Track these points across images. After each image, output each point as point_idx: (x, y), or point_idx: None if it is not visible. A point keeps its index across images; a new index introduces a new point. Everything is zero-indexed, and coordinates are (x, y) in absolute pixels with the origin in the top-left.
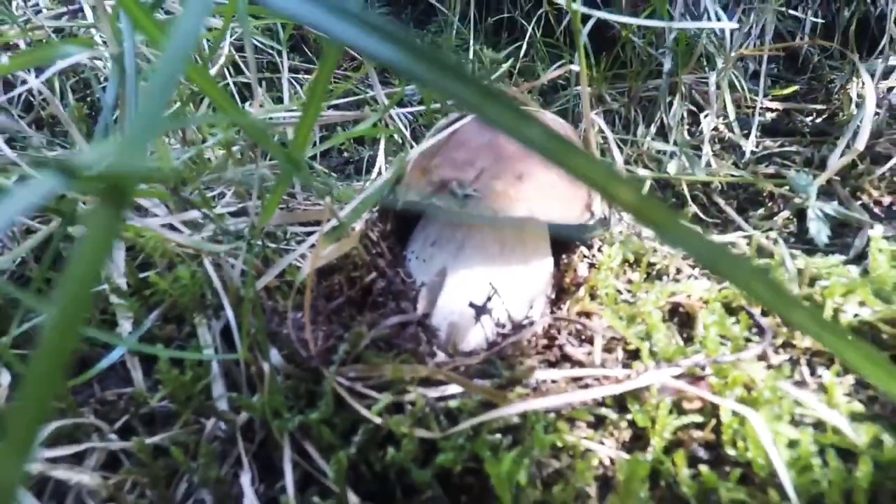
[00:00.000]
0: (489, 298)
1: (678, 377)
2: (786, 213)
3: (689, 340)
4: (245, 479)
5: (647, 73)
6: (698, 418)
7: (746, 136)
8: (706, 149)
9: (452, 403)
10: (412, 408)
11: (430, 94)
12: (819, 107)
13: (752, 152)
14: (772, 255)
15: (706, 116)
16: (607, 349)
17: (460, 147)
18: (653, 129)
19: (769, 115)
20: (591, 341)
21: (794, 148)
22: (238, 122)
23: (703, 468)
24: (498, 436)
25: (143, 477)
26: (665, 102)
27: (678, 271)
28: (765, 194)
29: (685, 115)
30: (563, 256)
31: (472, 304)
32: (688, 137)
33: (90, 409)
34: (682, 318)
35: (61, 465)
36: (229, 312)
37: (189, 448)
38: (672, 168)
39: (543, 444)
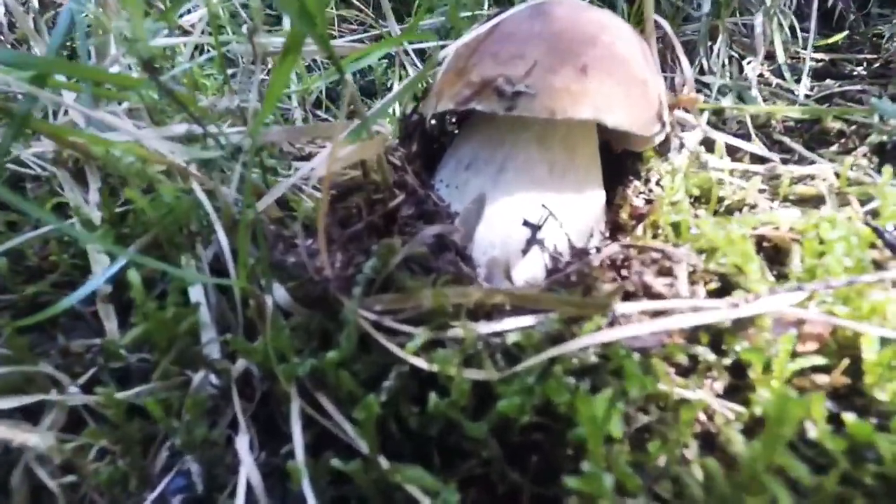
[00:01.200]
0: (540, 225)
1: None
2: (864, 149)
3: (781, 278)
4: (241, 442)
5: (683, 17)
6: (819, 360)
7: (797, 81)
8: (754, 92)
9: (512, 338)
10: (460, 345)
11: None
12: (869, 56)
13: (807, 96)
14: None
15: (749, 63)
16: (691, 282)
17: (506, 40)
18: (685, 90)
19: (815, 65)
20: (669, 273)
21: (859, 87)
22: None
23: (848, 418)
24: (572, 379)
25: (113, 441)
26: (706, 47)
27: (753, 206)
28: (833, 133)
29: (726, 62)
30: (618, 190)
31: (525, 223)
32: (731, 82)
33: (51, 362)
34: (768, 254)
35: (3, 421)
36: (222, 237)
37: (172, 406)
38: (730, 99)
39: (644, 384)
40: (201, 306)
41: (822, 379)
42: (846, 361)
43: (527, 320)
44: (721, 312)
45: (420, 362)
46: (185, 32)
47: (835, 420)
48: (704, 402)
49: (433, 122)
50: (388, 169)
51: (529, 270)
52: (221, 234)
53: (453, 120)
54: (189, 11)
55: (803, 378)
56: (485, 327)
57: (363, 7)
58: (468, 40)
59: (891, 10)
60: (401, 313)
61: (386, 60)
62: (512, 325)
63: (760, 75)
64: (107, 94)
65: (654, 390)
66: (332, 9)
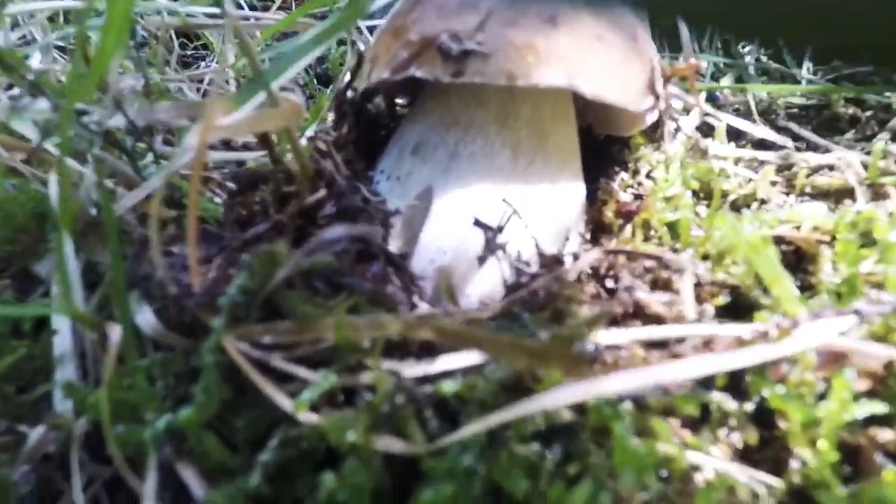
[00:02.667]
0: (501, 227)
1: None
2: (885, 135)
3: (806, 289)
4: None
5: None
6: (878, 406)
7: (799, 66)
8: (752, 73)
9: (449, 387)
10: (371, 396)
11: None
12: None
13: (810, 81)
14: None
15: (745, 48)
16: (698, 298)
17: None
18: (680, 60)
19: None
20: (667, 286)
21: (868, 68)
22: None
23: None
24: (535, 446)
25: None
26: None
27: (765, 202)
28: (845, 119)
29: (719, 45)
30: (601, 183)
31: (477, 223)
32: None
33: None
34: (788, 260)
35: None
36: (68, 247)
37: None
38: (727, 81)
39: (640, 462)
40: (54, 339)
41: (884, 434)
42: None
43: (472, 357)
44: (749, 354)
45: (312, 421)
46: None
47: None
48: (725, 477)
49: (379, 100)
50: (308, 154)
51: (487, 284)
52: (68, 241)
53: (403, 101)
54: None
55: (856, 433)
56: (412, 369)
57: None
58: None
59: None
60: (295, 349)
61: (343, 47)
62: (451, 365)
63: (757, 59)
64: None
65: (651, 454)
66: None
